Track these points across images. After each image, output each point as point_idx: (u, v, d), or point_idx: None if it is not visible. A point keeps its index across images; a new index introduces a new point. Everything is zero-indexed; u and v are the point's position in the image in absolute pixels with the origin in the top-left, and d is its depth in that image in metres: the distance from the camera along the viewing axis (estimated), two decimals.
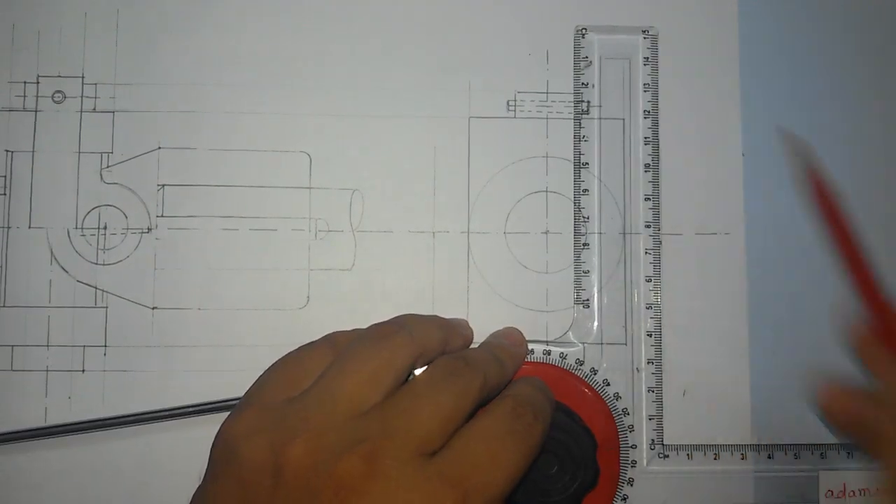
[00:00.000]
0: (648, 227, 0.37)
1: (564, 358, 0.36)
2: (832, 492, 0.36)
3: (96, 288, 0.37)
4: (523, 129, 0.38)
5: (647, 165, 0.38)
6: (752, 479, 0.36)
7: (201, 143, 0.37)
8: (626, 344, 0.37)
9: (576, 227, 0.37)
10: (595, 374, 0.36)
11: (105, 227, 0.37)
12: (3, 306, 0.36)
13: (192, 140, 0.37)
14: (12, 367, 0.36)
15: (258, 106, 0.38)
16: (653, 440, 0.36)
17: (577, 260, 0.36)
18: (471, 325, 0.37)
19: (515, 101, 0.38)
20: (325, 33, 0.38)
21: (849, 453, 0.36)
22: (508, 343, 0.35)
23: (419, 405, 0.28)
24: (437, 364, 0.30)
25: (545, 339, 0.36)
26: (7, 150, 0.37)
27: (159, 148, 0.37)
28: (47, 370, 0.36)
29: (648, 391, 0.37)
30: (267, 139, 0.37)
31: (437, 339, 0.31)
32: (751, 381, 0.37)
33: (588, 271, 0.37)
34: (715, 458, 0.36)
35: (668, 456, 0.36)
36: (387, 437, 0.26)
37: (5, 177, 0.37)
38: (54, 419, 0.36)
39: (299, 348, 0.31)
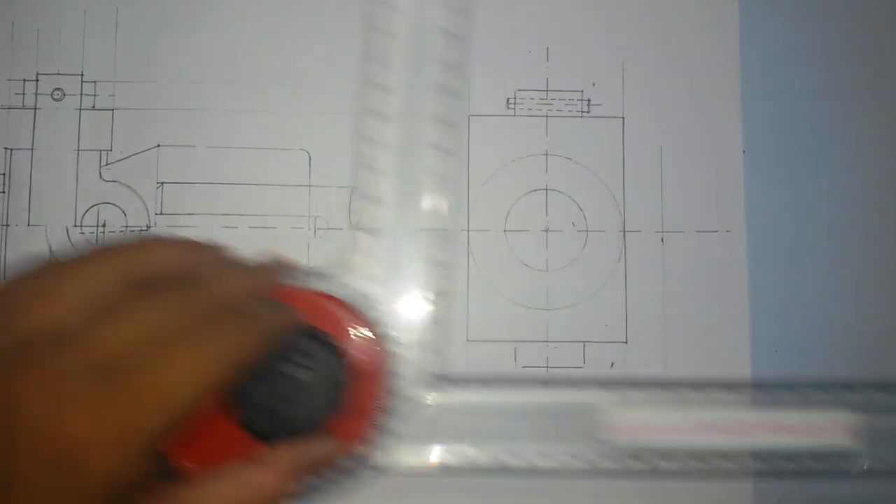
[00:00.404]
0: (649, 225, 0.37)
1: (318, 279, 0.35)
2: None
3: None
4: (523, 126, 0.38)
5: (648, 164, 0.38)
6: (527, 414, 0.36)
7: (200, 140, 0.37)
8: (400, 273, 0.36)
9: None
10: (367, 302, 0.36)
11: (104, 225, 0.37)
12: None
13: (192, 138, 0.37)
14: None
15: (257, 104, 0.38)
16: (425, 372, 0.36)
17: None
18: (471, 324, 0.37)
19: (515, 98, 0.38)
20: (324, 31, 0.38)
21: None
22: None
23: (104, 317, 0.25)
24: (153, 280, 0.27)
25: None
26: (6, 148, 0.37)
27: (158, 146, 0.37)
28: None
29: (427, 322, 0.36)
30: (266, 137, 0.37)
31: (162, 254, 0.29)
32: (751, 376, 0.37)
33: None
34: (490, 389, 0.36)
35: (442, 389, 0.36)
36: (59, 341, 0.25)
37: (4, 174, 0.37)
38: None
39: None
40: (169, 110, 0.37)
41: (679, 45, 0.39)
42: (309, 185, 0.37)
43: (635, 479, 0.35)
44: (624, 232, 0.37)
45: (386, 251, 0.37)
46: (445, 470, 0.34)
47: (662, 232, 0.37)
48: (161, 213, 0.37)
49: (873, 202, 0.38)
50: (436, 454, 0.35)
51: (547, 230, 0.37)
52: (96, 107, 0.37)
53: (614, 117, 0.38)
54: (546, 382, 0.35)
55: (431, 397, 0.35)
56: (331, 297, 0.34)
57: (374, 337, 0.33)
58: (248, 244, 0.36)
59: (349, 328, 0.33)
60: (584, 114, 0.38)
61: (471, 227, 0.37)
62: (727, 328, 0.37)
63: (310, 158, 0.37)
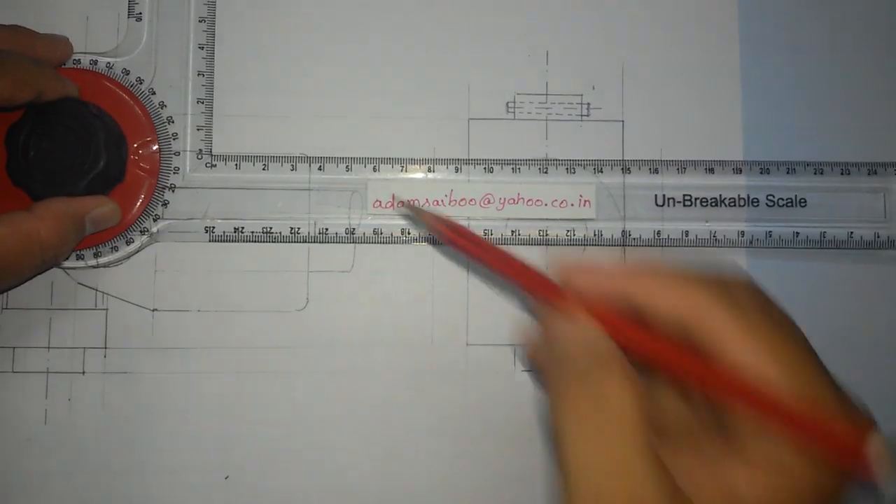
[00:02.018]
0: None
1: (111, 67, 0.37)
2: (380, 202, 0.37)
3: (97, 290, 0.37)
4: (522, 130, 0.38)
5: (651, 168, 0.38)
6: (305, 193, 0.37)
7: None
8: (181, 56, 0.38)
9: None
10: (141, 83, 0.37)
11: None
12: (5, 308, 0.37)
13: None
14: (13, 368, 0.36)
15: (258, 107, 0.38)
16: (200, 150, 0.37)
17: None
18: (470, 325, 0.37)
19: (515, 102, 0.38)
20: (324, 35, 0.38)
21: None
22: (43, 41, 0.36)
23: None
24: None
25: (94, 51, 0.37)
26: None
27: (160, 151, 0.37)
28: (48, 372, 0.36)
29: (198, 102, 0.37)
30: (266, 140, 0.37)
31: None
32: None
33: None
34: (264, 169, 0.37)
35: (215, 166, 0.37)
36: None
37: None
38: (54, 421, 0.36)
39: None
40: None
41: (678, 49, 0.39)
42: (309, 189, 0.37)
43: None
44: (625, 235, 0.37)
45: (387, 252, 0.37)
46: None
47: (663, 233, 0.37)
48: (162, 218, 0.37)
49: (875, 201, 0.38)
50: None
51: (546, 233, 0.37)
52: None
53: (614, 121, 0.38)
54: None
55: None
56: (95, 73, 0.37)
57: (143, 108, 0.37)
58: (248, 247, 0.37)
59: (118, 100, 0.36)
60: (584, 117, 0.38)
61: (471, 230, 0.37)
62: None
63: (310, 161, 0.37)
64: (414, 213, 0.34)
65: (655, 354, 0.25)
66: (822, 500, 0.24)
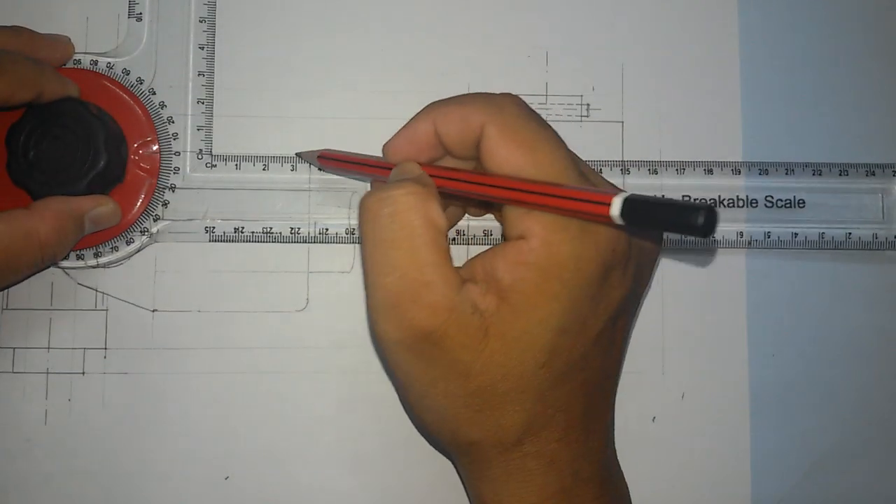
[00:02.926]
0: None
1: (111, 68, 0.37)
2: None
3: (97, 290, 0.37)
4: None
5: (651, 169, 0.38)
6: (305, 193, 0.37)
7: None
8: (181, 56, 0.38)
9: None
10: (141, 83, 0.37)
11: None
12: (6, 308, 0.37)
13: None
14: (13, 368, 0.36)
15: (258, 107, 0.38)
16: (200, 150, 0.37)
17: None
18: None
19: None
20: (324, 36, 0.38)
21: None
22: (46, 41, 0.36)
23: None
24: None
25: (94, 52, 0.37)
26: None
27: (160, 151, 0.37)
28: (48, 372, 0.36)
29: (198, 102, 0.37)
30: (266, 141, 0.38)
31: None
32: (750, 389, 0.37)
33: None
34: (264, 169, 0.37)
35: (215, 166, 0.37)
36: None
37: None
38: (54, 422, 0.36)
39: None
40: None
41: (678, 49, 0.39)
42: (309, 189, 0.37)
43: None
44: None
45: None
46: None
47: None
48: (162, 219, 0.37)
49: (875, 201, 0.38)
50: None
51: None
52: None
53: (614, 122, 0.38)
54: None
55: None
56: (94, 73, 0.37)
57: (144, 108, 0.37)
58: (248, 248, 0.37)
59: (118, 99, 0.37)
60: (584, 118, 0.38)
61: (470, 231, 0.37)
62: (725, 333, 0.38)
63: (310, 162, 0.37)
64: (304, 158, 0.37)
65: (447, 183, 0.30)
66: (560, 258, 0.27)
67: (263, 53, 0.38)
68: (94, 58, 0.37)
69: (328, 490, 0.36)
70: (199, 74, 0.38)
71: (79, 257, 0.36)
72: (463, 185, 0.29)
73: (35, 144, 0.34)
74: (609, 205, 0.25)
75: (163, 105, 0.37)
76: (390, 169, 0.31)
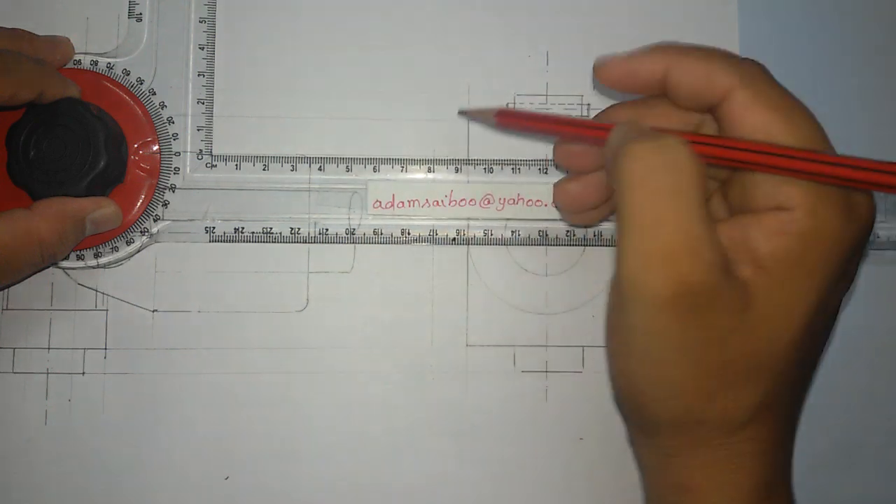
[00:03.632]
0: None
1: (111, 68, 0.37)
2: (380, 202, 0.37)
3: (97, 291, 0.37)
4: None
5: None
6: (305, 193, 0.37)
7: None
8: (181, 56, 0.38)
9: None
10: (141, 83, 0.37)
11: None
12: (6, 309, 0.37)
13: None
14: (13, 369, 0.36)
15: (258, 108, 0.38)
16: (200, 150, 0.37)
17: None
18: (470, 326, 0.37)
19: (514, 103, 0.38)
20: (324, 36, 0.38)
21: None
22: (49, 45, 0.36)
23: None
24: None
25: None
26: None
27: (160, 151, 0.37)
28: (48, 372, 0.36)
29: (198, 102, 0.37)
30: (266, 141, 0.38)
31: None
32: None
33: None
34: (264, 169, 0.37)
35: (215, 166, 0.37)
36: None
37: None
38: (54, 422, 0.36)
39: None
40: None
41: None
42: (308, 189, 0.37)
43: None
44: None
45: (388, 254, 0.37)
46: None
47: None
48: (162, 219, 0.37)
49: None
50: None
51: (546, 234, 0.37)
52: None
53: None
54: None
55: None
56: (95, 73, 0.37)
57: (143, 108, 0.37)
58: (248, 248, 0.37)
59: (118, 99, 0.37)
60: (584, 118, 0.38)
61: (470, 231, 0.37)
62: None
63: (310, 162, 0.37)
64: (472, 117, 0.36)
65: (701, 149, 0.28)
66: (821, 237, 0.26)
67: (264, 54, 0.38)
68: (95, 58, 0.37)
69: (328, 490, 0.36)
70: (199, 75, 0.38)
71: (79, 257, 0.36)
72: (724, 150, 0.27)
73: (35, 144, 0.34)
74: None
75: (163, 105, 0.37)
76: (591, 130, 0.30)
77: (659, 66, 0.29)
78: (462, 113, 0.37)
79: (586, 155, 0.32)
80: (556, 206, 0.36)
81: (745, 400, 0.27)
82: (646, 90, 0.30)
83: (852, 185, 0.26)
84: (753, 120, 0.27)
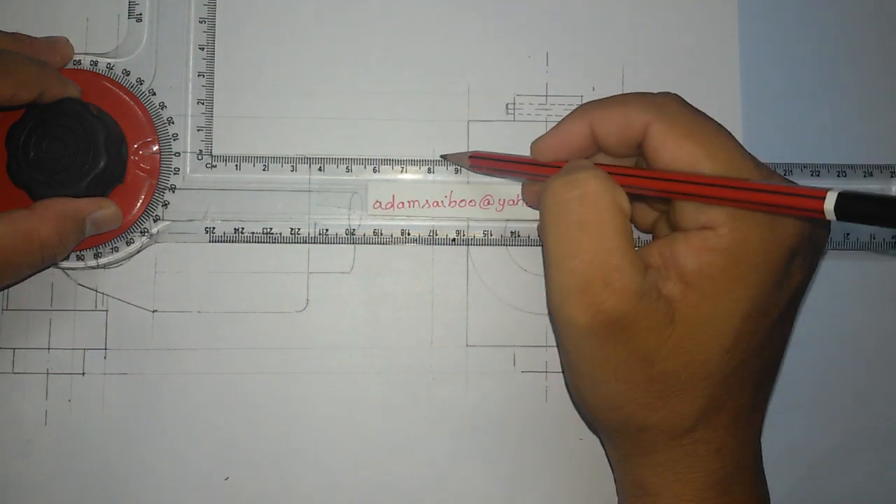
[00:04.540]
0: None
1: (111, 68, 0.37)
2: (380, 202, 0.37)
3: (97, 291, 0.37)
4: (522, 132, 0.38)
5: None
6: (305, 193, 0.37)
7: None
8: (181, 57, 0.38)
9: None
10: (141, 84, 0.37)
11: None
12: (6, 309, 0.37)
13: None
14: (13, 369, 0.36)
15: (258, 108, 0.38)
16: (200, 150, 0.37)
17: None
18: (470, 326, 0.37)
19: (514, 104, 0.38)
20: (324, 37, 0.38)
21: None
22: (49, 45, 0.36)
23: None
24: None
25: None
26: None
27: (160, 151, 0.37)
28: (48, 373, 0.36)
29: (198, 103, 0.37)
30: (266, 141, 0.38)
31: None
32: None
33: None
34: (264, 170, 0.37)
35: (215, 166, 0.37)
36: None
37: None
38: (54, 422, 0.36)
39: None
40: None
41: (678, 50, 0.39)
42: (309, 190, 0.37)
43: None
44: None
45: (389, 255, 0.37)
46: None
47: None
48: (162, 219, 0.37)
49: None
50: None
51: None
52: None
53: None
54: None
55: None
56: (94, 73, 0.37)
57: (143, 108, 0.37)
58: (248, 248, 0.37)
59: (118, 99, 0.37)
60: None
61: (470, 231, 0.37)
62: None
63: (310, 163, 0.37)
64: (451, 160, 0.37)
65: (627, 180, 0.29)
66: (747, 249, 0.28)
67: (263, 54, 0.38)
68: (95, 58, 0.37)
69: (328, 490, 0.36)
70: (199, 75, 0.38)
71: (79, 258, 0.36)
72: (645, 181, 0.29)
73: (35, 145, 0.34)
74: (823, 199, 0.25)
75: (163, 106, 0.37)
76: (548, 168, 0.32)
77: (583, 125, 0.31)
78: (443, 157, 0.37)
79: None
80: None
81: (686, 406, 0.29)
82: (583, 152, 0.32)
83: (770, 210, 0.27)
84: (673, 150, 0.28)
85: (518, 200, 0.37)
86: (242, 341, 0.37)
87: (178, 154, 0.37)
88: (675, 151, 0.28)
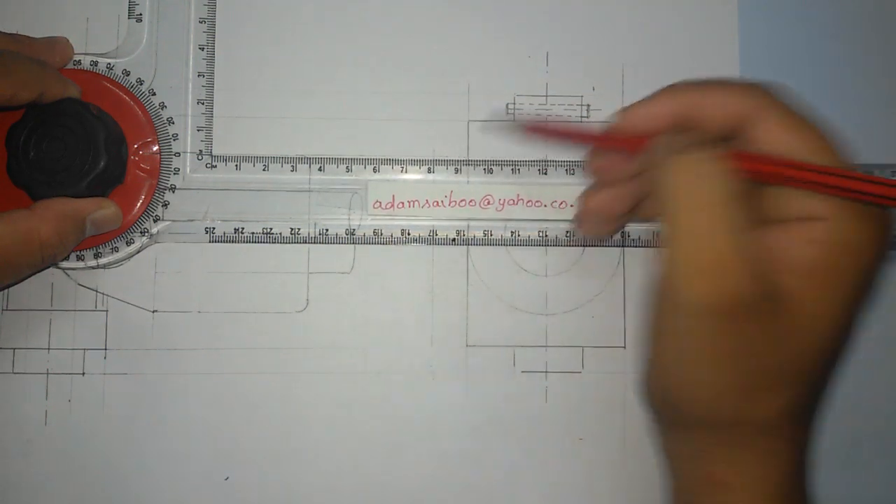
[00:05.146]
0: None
1: (111, 68, 0.37)
2: (380, 203, 0.37)
3: (97, 291, 0.37)
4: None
5: None
6: (305, 194, 0.37)
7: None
8: (181, 57, 0.38)
9: None
10: (141, 84, 0.37)
11: None
12: (6, 309, 0.37)
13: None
14: (13, 369, 0.36)
15: (258, 108, 0.38)
16: (200, 150, 0.37)
17: None
18: (470, 326, 0.37)
19: (514, 104, 0.38)
20: (324, 36, 0.38)
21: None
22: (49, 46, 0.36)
23: None
24: None
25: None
26: None
27: (160, 152, 0.37)
28: (48, 373, 0.36)
29: (198, 103, 0.37)
30: (266, 141, 0.38)
31: None
32: None
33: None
34: (264, 170, 0.37)
35: (215, 166, 0.37)
36: None
37: None
38: (54, 422, 0.36)
39: None
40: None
41: (678, 49, 0.39)
42: (309, 190, 0.37)
43: None
44: (623, 237, 0.38)
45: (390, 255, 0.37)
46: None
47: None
48: (162, 219, 0.37)
49: None
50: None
51: (546, 235, 0.37)
52: None
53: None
54: None
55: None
56: (94, 73, 0.37)
57: (143, 108, 0.37)
58: (248, 248, 0.37)
59: (118, 100, 0.37)
60: (584, 119, 0.38)
61: (470, 232, 0.37)
62: None
63: (310, 163, 0.37)
64: (496, 130, 0.37)
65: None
66: (847, 246, 0.28)
67: (263, 54, 0.38)
68: (95, 59, 0.37)
69: (328, 490, 0.36)
70: (199, 75, 0.38)
71: (79, 258, 0.36)
72: (757, 165, 0.29)
73: (35, 145, 0.34)
74: None
75: (163, 106, 0.37)
76: (622, 141, 0.32)
77: (677, 104, 0.30)
78: (487, 126, 0.37)
79: (619, 165, 0.33)
80: (575, 217, 0.36)
81: (780, 402, 0.28)
82: (666, 129, 0.31)
83: (869, 200, 0.27)
84: (777, 135, 0.29)
85: (518, 200, 0.37)
86: (242, 341, 0.37)
87: (178, 154, 0.37)
88: (780, 137, 0.29)
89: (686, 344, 0.28)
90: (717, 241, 0.27)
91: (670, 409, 0.31)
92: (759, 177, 0.29)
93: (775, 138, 0.29)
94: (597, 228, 0.35)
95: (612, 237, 0.37)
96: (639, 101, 0.31)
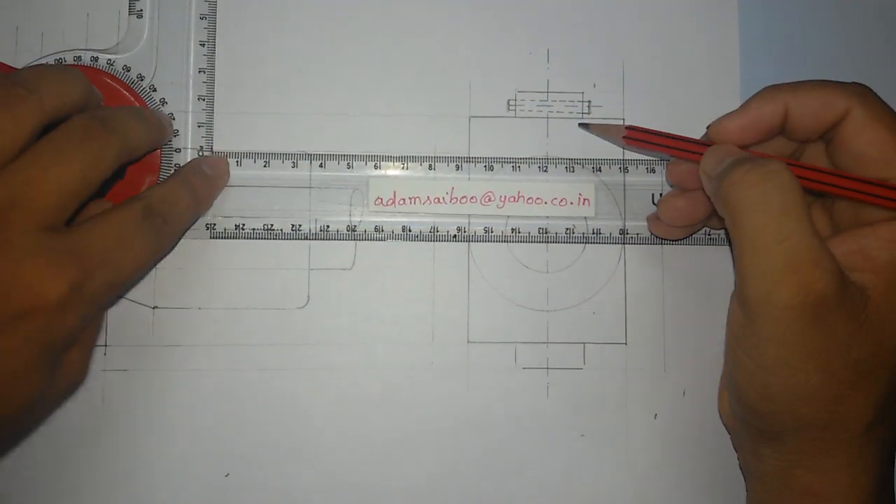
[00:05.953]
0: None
1: (112, 64, 0.37)
2: (381, 199, 0.37)
3: None
4: (523, 128, 0.38)
5: (649, 167, 0.38)
6: (306, 190, 0.37)
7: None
8: (182, 53, 0.38)
9: None
10: (142, 80, 0.37)
11: None
12: None
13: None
14: None
15: (259, 104, 0.38)
16: (200, 147, 0.37)
17: None
18: (471, 322, 0.37)
19: (516, 100, 0.38)
20: (326, 32, 0.38)
21: None
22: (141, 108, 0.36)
23: (42, 174, 0.28)
24: (69, 125, 0.30)
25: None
26: None
27: (160, 148, 0.37)
28: None
29: (198, 99, 0.37)
30: (267, 138, 0.37)
31: (75, 95, 0.31)
32: None
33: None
34: (265, 166, 0.37)
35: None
36: (8, 208, 0.27)
37: None
38: (54, 421, 0.36)
39: None
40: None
41: (679, 46, 0.39)
42: (310, 187, 0.37)
43: None
44: (624, 233, 0.38)
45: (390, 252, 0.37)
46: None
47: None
48: None
49: None
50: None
51: (547, 232, 0.37)
52: None
53: (615, 119, 0.38)
54: None
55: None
56: (112, 76, 0.37)
57: (143, 104, 0.37)
58: (248, 245, 0.37)
59: (118, 95, 0.36)
60: (585, 115, 0.38)
61: (471, 228, 0.37)
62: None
63: (311, 159, 0.37)
64: (595, 131, 0.37)
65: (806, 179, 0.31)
66: None
67: (264, 50, 0.38)
68: (95, 55, 0.37)
69: (328, 488, 0.36)
70: (199, 71, 0.38)
71: None
72: (815, 176, 0.31)
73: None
74: None
75: (163, 102, 0.37)
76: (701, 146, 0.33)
77: (777, 106, 0.31)
78: (584, 126, 0.37)
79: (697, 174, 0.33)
80: (650, 218, 0.37)
81: (869, 400, 0.29)
82: (770, 134, 0.32)
83: None
84: (870, 136, 0.30)
85: (519, 197, 0.37)
86: (243, 338, 0.37)
87: (178, 150, 0.37)
88: (872, 136, 0.30)
89: (775, 349, 0.29)
90: (792, 243, 0.28)
91: (760, 419, 0.31)
92: (815, 186, 0.30)
93: (866, 135, 0.30)
94: (669, 232, 0.36)
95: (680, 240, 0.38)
96: (728, 115, 0.32)
